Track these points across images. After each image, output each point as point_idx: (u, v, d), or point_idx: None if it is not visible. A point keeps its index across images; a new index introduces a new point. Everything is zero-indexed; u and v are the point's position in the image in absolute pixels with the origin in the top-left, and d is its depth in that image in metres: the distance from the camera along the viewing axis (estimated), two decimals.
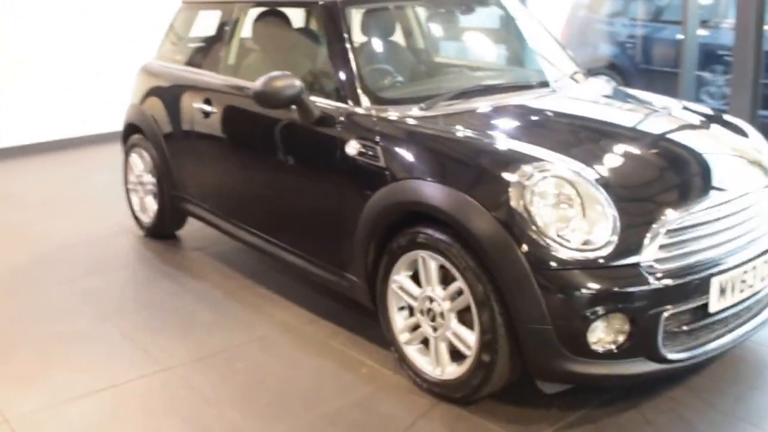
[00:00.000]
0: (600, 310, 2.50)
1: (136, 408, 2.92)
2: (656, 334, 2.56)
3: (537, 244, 2.52)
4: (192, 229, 4.74)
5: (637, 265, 2.52)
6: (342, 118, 3.18)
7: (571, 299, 2.50)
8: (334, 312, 3.65)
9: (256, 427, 2.78)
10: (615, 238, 2.53)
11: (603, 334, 2.55)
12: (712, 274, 2.63)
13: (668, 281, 2.53)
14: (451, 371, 2.85)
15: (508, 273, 2.54)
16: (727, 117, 3.48)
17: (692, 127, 3.29)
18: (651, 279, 2.51)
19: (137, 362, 3.23)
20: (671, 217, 2.60)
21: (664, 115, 3.40)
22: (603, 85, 3.79)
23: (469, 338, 2.74)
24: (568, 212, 2.56)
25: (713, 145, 3.13)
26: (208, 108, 3.94)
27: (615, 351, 2.56)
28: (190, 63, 4.38)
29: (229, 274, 4.16)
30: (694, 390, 2.94)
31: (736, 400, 2.90)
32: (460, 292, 2.74)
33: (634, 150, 2.91)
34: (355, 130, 3.11)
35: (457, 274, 2.71)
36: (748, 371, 3.08)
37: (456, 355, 2.85)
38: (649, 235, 2.56)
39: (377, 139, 3.01)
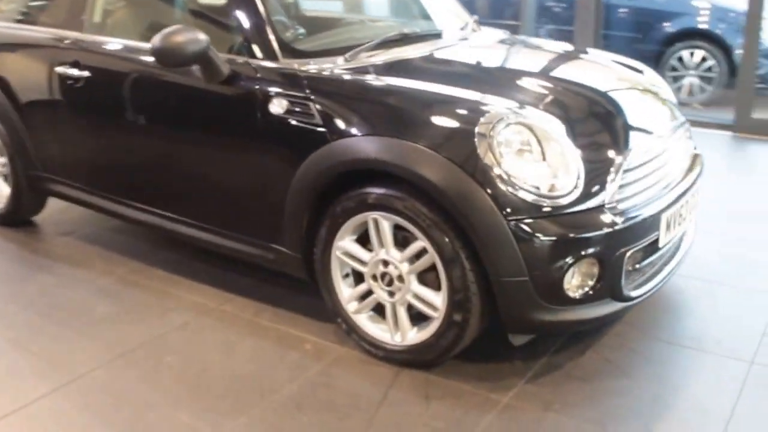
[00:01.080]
0: (575, 255, 2.44)
1: (59, 428, 2.47)
2: (621, 274, 2.55)
3: (509, 193, 2.39)
4: (50, 212, 4.15)
5: (602, 207, 2.48)
6: (260, 75, 2.84)
7: (548, 247, 2.41)
8: (248, 287, 3.33)
9: (212, 425, 2.45)
10: (581, 182, 2.46)
11: (576, 280, 2.50)
12: (662, 210, 2.66)
13: (630, 220, 2.52)
14: (415, 336, 2.68)
15: (482, 226, 2.40)
16: (623, 58, 3.54)
17: (609, 69, 3.32)
18: (616, 219, 2.48)
19: (44, 374, 2.74)
20: (625, 155, 2.58)
21: (581, 59, 3.41)
22: (500, 33, 3.72)
23: (435, 299, 2.59)
24: (534, 158, 2.46)
25: (633, 86, 3.16)
26: (76, 72, 3.40)
27: (586, 295, 2.52)
28: (39, 22, 3.76)
29: (114, 258, 3.68)
30: (633, 325, 2.99)
31: (672, 328, 3.00)
32: (420, 253, 2.57)
33: (574, 93, 2.87)
34: (280, 87, 2.80)
35: (418, 234, 2.53)
36: (671, 300, 3.20)
37: (414, 319, 2.69)
38: (609, 175, 2.53)
39: (310, 95, 2.71)
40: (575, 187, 2.45)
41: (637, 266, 2.68)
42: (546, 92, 2.81)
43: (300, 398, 2.58)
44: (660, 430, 2.39)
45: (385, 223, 2.61)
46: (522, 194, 2.40)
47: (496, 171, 2.39)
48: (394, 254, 2.63)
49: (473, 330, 2.57)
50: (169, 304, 3.22)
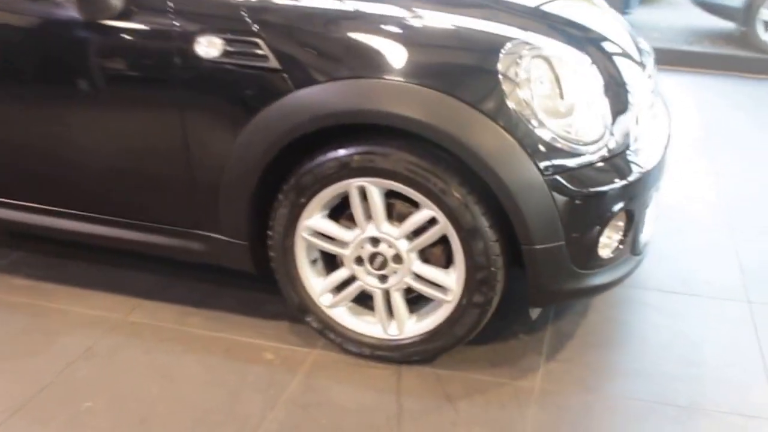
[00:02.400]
0: (613, 209, 2.04)
1: None
2: (641, 225, 2.21)
3: (544, 142, 1.92)
4: None
5: (625, 153, 2.10)
6: (174, 5, 2.07)
7: (589, 203, 1.99)
8: (155, 288, 2.58)
9: None
10: (611, 127, 2.06)
11: (607, 238, 2.12)
12: (665, 150, 2.35)
13: (649, 164, 2.16)
14: (416, 326, 2.16)
15: (515, 185, 1.90)
16: None
17: (597, 7, 2.84)
18: (643, 163, 2.12)
19: None
20: (637, 97, 2.20)
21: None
22: None
23: (446, 280, 2.07)
24: (565, 99, 1.99)
25: (617, 22, 2.76)
26: None
27: (613, 254, 2.15)
28: None
29: None
30: None
31: (656, 275, 2.72)
32: (422, 227, 2.04)
33: (582, 30, 2.40)
34: (209, 21, 2.06)
35: (426, 201, 1.98)
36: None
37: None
38: (630, 116, 2.14)
39: (257, 29, 2.01)
40: (605, 132, 2.04)
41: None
42: (558, 31, 2.30)
43: (294, 422, 1.97)
44: (710, 390, 2.11)
45: (375, 192, 2.03)
46: (558, 142, 1.94)
47: (527, 115, 1.90)
48: (388, 229, 2.07)
49: (493, 310, 2.11)
50: (56, 324, 2.39)
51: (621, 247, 2.14)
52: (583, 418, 2.01)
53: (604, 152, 2.02)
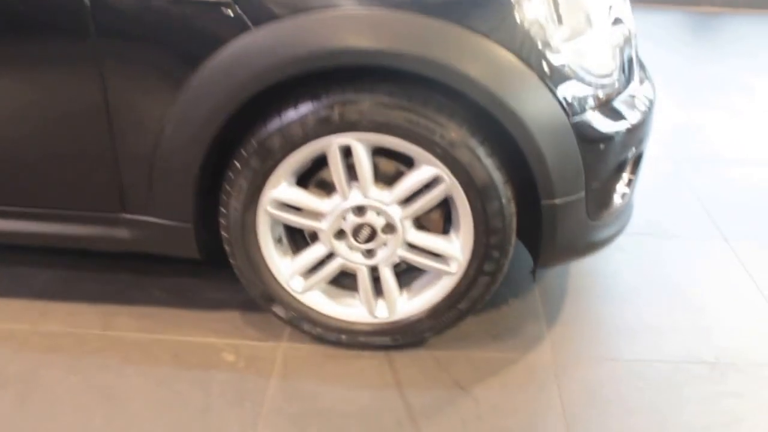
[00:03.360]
0: (628, 153, 1.79)
1: None
2: (638, 170, 1.97)
3: (569, 78, 1.60)
4: None
5: (632, 90, 1.83)
6: None
7: (610, 147, 1.71)
8: (59, 287, 2.06)
9: None
10: (619, 61, 1.79)
11: (620, 185, 1.86)
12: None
13: (647, 106, 1.91)
14: (410, 304, 1.82)
15: (541, 132, 1.58)
16: None
17: None
18: (648, 102, 1.86)
19: None
20: (628, 31, 1.92)
21: None
22: None
23: (449, 248, 1.74)
24: (583, 32, 1.67)
25: None
26: None
27: (622, 203, 1.90)
28: None
29: None
30: None
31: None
32: (418, 190, 1.67)
33: None
34: None
35: (429, 157, 1.61)
36: None
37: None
38: (631, 50, 1.87)
39: None
40: (617, 67, 1.76)
41: None
42: None
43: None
44: (729, 341, 1.93)
45: (362, 151, 1.63)
46: (583, 78, 1.63)
47: (551, 48, 1.57)
48: (377, 195, 1.69)
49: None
50: None
51: (628, 193, 1.90)
52: (614, 389, 1.76)
53: (619, 88, 1.75)
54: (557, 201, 1.67)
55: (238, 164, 1.65)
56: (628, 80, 1.81)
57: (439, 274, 1.78)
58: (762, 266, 2.26)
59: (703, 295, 2.12)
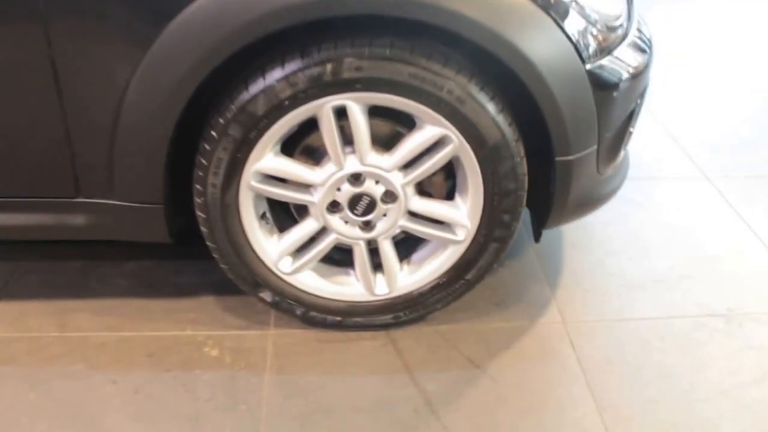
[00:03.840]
0: (639, 99, 1.65)
1: None
2: (637, 119, 1.83)
3: (582, 23, 1.43)
4: None
5: (633, 32, 1.68)
6: None
7: (621, 95, 1.55)
8: (2, 289, 1.79)
9: None
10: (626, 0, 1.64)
11: (627, 136, 1.72)
12: None
13: (650, 48, 1.75)
14: (411, 278, 1.64)
15: (557, 82, 1.40)
16: None
17: None
18: (648, 46, 1.71)
19: None
20: None
21: None
22: None
23: (456, 215, 1.56)
24: None
25: None
26: None
27: (624, 154, 1.77)
28: None
29: None
30: None
31: None
32: (421, 153, 1.48)
33: None
34: None
35: (437, 116, 1.42)
36: None
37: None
38: None
39: None
40: (625, 5, 1.61)
41: None
42: None
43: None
44: (737, 288, 1.85)
45: (358, 112, 1.42)
46: (596, 20, 1.46)
47: None
48: (375, 161, 1.48)
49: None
50: None
51: (629, 141, 1.76)
52: (634, 352, 1.65)
53: (627, 30, 1.59)
54: (572, 157, 1.51)
55: (214, 134, 1.42)
56: (630, 21, 1.66)
57: (444, 244, 1.61)
58: (747, 204, 2.19)
59: (698, 241, 2.03)
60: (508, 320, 1.73)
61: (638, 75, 1.57)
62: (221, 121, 1.40)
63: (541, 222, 1.68)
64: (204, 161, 1.45)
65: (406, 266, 1.65)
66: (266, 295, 1.63)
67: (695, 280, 1.87)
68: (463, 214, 1.55)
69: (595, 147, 1.55)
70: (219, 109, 1.41)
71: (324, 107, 1.40)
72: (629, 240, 2.03)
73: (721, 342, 1.68)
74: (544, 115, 1.44)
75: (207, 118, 1.44)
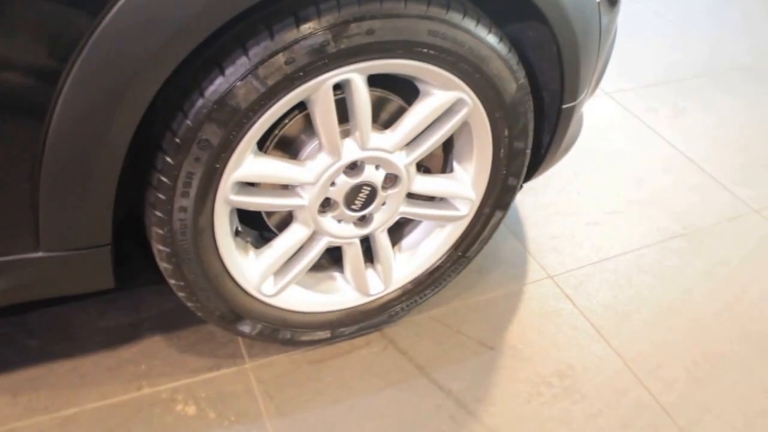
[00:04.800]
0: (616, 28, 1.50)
1: None
2: None
3: None
4: None
5: None
6: None
7: (614, 29, 1.41)
8: None
9: None
10: None
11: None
12: None
13: None
14: (414, 265, 1.39)
15: (577, 20, 1.20)
16: None
17: None
18: None
19: None
20: None
21: None
22: None
23: (461, 188, 1.32)
24: None
25: None
26: None
27: None
28: None
29: None
30: None
31: None
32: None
33: None
34: None
35: (452, 78, 1.15)
36: None
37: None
38: None
39: None
40: None
41: None
42: None
43: None
44: (658, 191, 1.85)
45: (362, 86, 1.11)
46: None
47: None
48: (378, 141, 1.19)
49: None
50: None
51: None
52: (626, 292, 1.57)
53: None
54: (575, 102, 1.34)
55: (179, 141, 1.03)
56: None
57: (443, 223, 1.37)
58: (653, 114, 2.20)
59: (628, 163, 1.99)
60: (497, 287, 1.56)
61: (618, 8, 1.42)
62: (189, 123, 1.02)
63: (528, 174, 1.50)
64: (166, 179, 1.06)
65: (398, 255, 1.40)
66: (247, 327, 1.29)
67: (643, 204, 1.83)
68: (467, 185, 1.32)
69: (588, 89, 1.39)
70: (182, 106, 1.02)
71: (322, 86, 1.07)
72: (569, 176, 1.93)
73: (695, 262, 1.67)
74: (563, 60, 1.23)
75: (162, 122, 1.04)
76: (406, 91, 1.21)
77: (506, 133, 1.26)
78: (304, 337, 1.36)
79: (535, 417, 1.31)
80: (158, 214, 1.08)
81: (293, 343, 1.36)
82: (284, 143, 1.17)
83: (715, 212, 1.82)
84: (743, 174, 1.95)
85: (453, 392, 1.33)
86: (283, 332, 1.33)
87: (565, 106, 1.33)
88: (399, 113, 1.20)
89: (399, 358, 1.39)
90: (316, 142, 1.16)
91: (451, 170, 1.33)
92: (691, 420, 1.33)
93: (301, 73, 1.03)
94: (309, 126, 1.15)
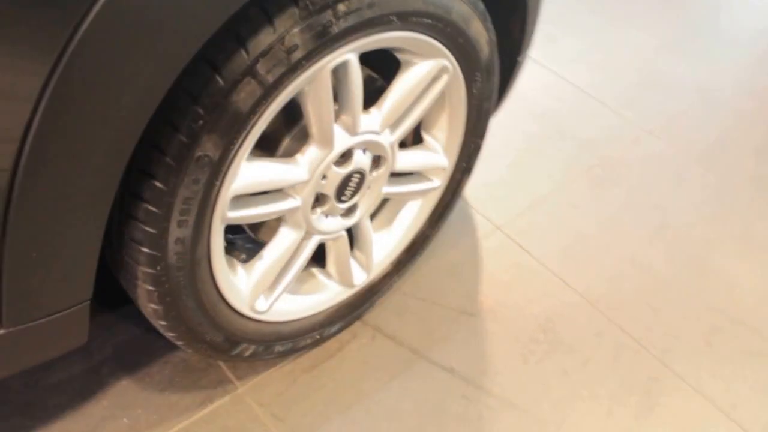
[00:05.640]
0: None
1: None
2: None
3: None
4: None
5: None
6: None
7: None
8: None
9: None
10: None
11: None
12: None
13: None
14: (390, 245, 1.29)
15: None
16: None
17: None
18: None
19: None
20: None
21: None
22: None
23: (437, 158, 1.24)
24: None
25: None
26: None
27: None
28: None
29: None
30: None
31: None
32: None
33: None
34: None
35: (438, 46, 1.04)
36: None
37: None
38: None
39: None
40: None
41: None
42: None
43: None
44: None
45: (357, 65, 0.97)
46: None
47: None
48: (368, 123, 1.06)
49: None
50: None
51: None
52: (571, 224, 1.60)
53: None
54: (526, 53, 1.30)
55: (171, 161, 0.84)
56: None
57: (414, 197, 1.28)
58: None
59: (514, 95, 2.00)
60: (453, 248, 1.51)
61: None
62: (183, 138, 0.84)
63: None
64: (155, 209, 0.87)
65: (377, 239, 1.29)
66: (241, 351, 1.13)
67: (552, 139, 1.85)
68: (440, 154, 1.24)
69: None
70: (171, 118, 0.83)
71: (322, 72, 0.93)
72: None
73: (612, 190, 1.72)
74: (528, 10, 1.18)
75: (143, 140, 0.84)
76: (379, 68, 1.10)
77: (478, 95, 1.19)
78: (296, 346, 1.22)
79: (536, 376, 1.29)
80: (147, 251, 0.90)
81: (284, 355, 1.22)
82: (262, 144, 1.01)
83: (616, 138, 1.89)
84: (626, 96, 2.04)
85: (456, 370, 1.28)
86: (276, 347, 1.18)
87: (519, 58, 1.28)
88: (379, 93, 1.08)
89: (391, 345, 1.30)
90: (291, 137, 1.02)
91: (420, 141, 1.24)
92: (663, 348, 1.39)
93: (304, 61, 0.88)
94: (284, 120, 1.01)
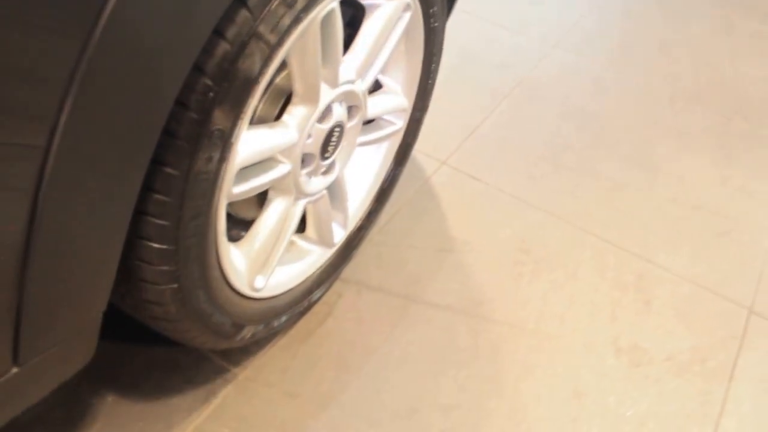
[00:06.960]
0: None
1: None
2: None
3: None
4: None
5: None
6: None
7: None
8: None
9: None
10: None
11: None
12: None
13: None
14: (363, 194, 1.25)
15: None
16: None
17: None
18: None
19: None
20: None
21: None
22: None
23: (400, 100, 1.20)
24: None
25: None
26: None
27: None
28: None
29: None
30: None
31: None
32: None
33: None
34: None
35: None
36: None
37: None
38: None
39: None
40: None
41: None
42: None
43: None
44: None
45: (339, 11, 0.90)
46: None
47: None
48: (345, 73, 0.99)
49: None
50: None
51: None
52: (524, 151, 1.62)
53: None
54: None
55: (185, 144, 0.76)
56: None
57: (380, 142, 1.24)
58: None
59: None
60: (406, 189, 1.50)
61: None
62: (193, 115, 0.75)
63: None
64: (162, 221, 0.78)
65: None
66: (244, 334, 1.06)
67: (465, 69, 1.85)
68: (401, 96, 1.20)
69: None
70: (179, 98, 0.74)
71: (313, 24, 0.86)
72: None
73: (539, 104, 1.76)
74: None
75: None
76: None
77: (434, 29, 1.15)
78: (290, 317, 1.17)
79: (532, 296, 1.32)
80: (162, 269, 0.81)
81: (278, 330, 1.16)
82: None
83: (528, 59, 1.92)
84: (521, 18, 2.06)
85: (453, 306, 1.27)
86: (273, 322, 1.12)
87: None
88: (346, 42, 1.02)
89: (379, 296, 1.27)
90: (264, 101, 0.95)
91: (380, 86, 1.19)
92: (641, 245, 1.45)
93: (302, 14, 0.81)
94: None
